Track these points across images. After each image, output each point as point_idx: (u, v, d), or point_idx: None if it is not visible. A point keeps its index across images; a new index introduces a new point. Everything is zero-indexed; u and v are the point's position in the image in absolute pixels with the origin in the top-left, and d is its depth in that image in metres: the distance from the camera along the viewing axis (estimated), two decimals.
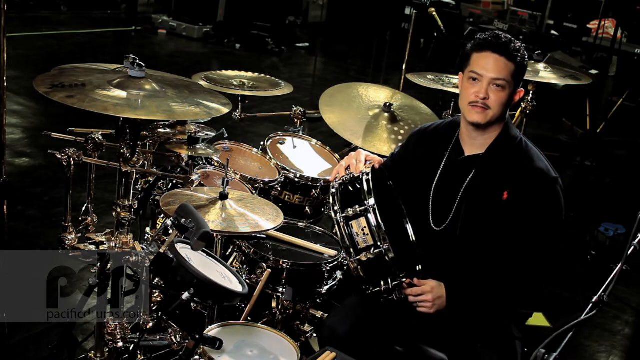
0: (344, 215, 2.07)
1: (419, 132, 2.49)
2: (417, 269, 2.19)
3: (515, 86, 2.18)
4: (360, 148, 3.17)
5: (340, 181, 2.18)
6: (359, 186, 2.11)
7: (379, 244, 2.03)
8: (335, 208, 2.10)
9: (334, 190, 2.16)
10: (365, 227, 2.04)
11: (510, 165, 2.21)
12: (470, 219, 2.23)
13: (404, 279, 2.10)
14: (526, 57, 2.19)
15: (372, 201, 2.04)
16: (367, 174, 2.12)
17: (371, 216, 2.03)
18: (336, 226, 2.10)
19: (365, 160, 2.26)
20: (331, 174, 2.36)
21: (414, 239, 2.32)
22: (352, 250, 2.06)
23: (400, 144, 2.60)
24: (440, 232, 2.29)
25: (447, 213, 2.27)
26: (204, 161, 3.11)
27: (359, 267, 2.06)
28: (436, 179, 2.32)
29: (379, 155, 2.41)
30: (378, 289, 2.11)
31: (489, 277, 2.18)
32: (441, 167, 2.32)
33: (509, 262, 2.16)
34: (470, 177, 2.25)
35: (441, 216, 2.29)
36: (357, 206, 2.06)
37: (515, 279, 2.17)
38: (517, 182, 2.17)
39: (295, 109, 3.58)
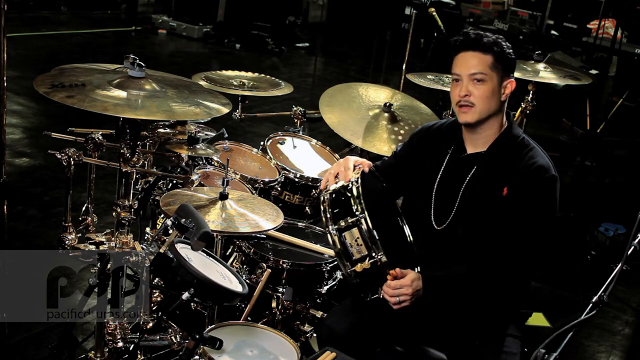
0: (336, 227, 2.04)
1: (422, 130, 2.49)
2: (416, 270, 2.18)
3: (500, 78, 2.20)
4: (361, 148, 3.18)
5: (330, 191, 2.13)
6: (349, 194, 2.07)
7: (373, 254, 2.00)
8: (327, 220, 2.06)
9: (324, 202, 2.11)
10: (358, 237, 2.01)
11: (511, 162, 2.22)
12: (470, 217, 2.23)
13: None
14: (505, 47, 2.21)
15: (363, 210, 2.01)
16: (357, 182, 2.09)
17: (363, 226, 2.00)
18: (329, 238, 2.06)
19: (354, 166, 2.22)
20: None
21: (411, 239, 2.31)
22: (346, 261, 2.03)
23: (401, 143, 2.59)
24: (441, 232, 2.29)
25: (449, 212, 2.27)
26: (204, 161, 3.11)
27: (356, 277, 2.04)
28: (438, 177, 2.32)
29: (379, 156, 2.41)
30: (376, 296, 2.09)
31: (471, 269, 2.16)
32: (443, 166, 2.33)
33: (495, 254, 2.15)
34: (471, 174, 2.26)
35: (442, 215, 2.29)
36: (348, 217, 2.03)
37: (498, 271, 2.16)
38: (517, 179, 2.18)
39: (295, 109, 3.58)
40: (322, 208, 2.11)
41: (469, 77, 2.19)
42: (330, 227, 2.05)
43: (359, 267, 2.02)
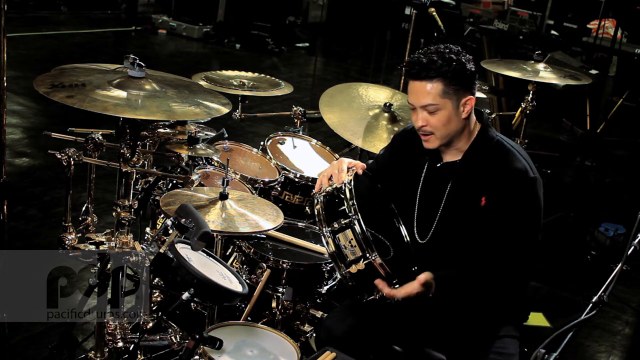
0: (329, 229, 2.04)
1: (404, 133, 2.43)
2: (413, 269, 2.17)
3: (455, 100, 2.11)
4: (361, 148, 3.18)
5: (324, 194, 2.14)
6: (342, 196, 2.07)
7: (367, 255, 1.99)
8: (321, 223, 2.07)
9: (317, 204, 2.11)
10: (352, 239, 2.00)
11: (488, 169, 2.16)
12: (451, 230, 2.20)
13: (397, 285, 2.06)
14: (458, 65, 2.08)
15: (355, 212, 2.00)
16: (350, 183, 2.08)
17: (357, 227, 1.99)
18: (323, 240, 2.06)
19: (348, 168, 2.21)
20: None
21: (408, 239, 2.30)
22: (341, 263, 2.03)
23: (384, 146, 2.54)
24: (424, 245, 2.26)
25: (430, 224, 2.24)
26: (204, 161, 3.11)
27: (351, 278, 2.04)
28: (419, 187, 2.29)
29: None
30: (373, 297, 2.09)
31: (469, 274, 2.14)
32: (423, 175, 2.29)
33: (486, 261, 2.12)
34: (449, 185, 2.22)
35: (424, 228, 2.26)
36: (341, 219, 2.03)
37: (491, 277, 2.13)
38: (495, 186, 2.13)
39: (295, 109, 3.58)
40: (315, 211, 2.11)
41: (420, 107, 2.13)
42: (324, 229, 2.05)
43: (353, 269, 2.02)
